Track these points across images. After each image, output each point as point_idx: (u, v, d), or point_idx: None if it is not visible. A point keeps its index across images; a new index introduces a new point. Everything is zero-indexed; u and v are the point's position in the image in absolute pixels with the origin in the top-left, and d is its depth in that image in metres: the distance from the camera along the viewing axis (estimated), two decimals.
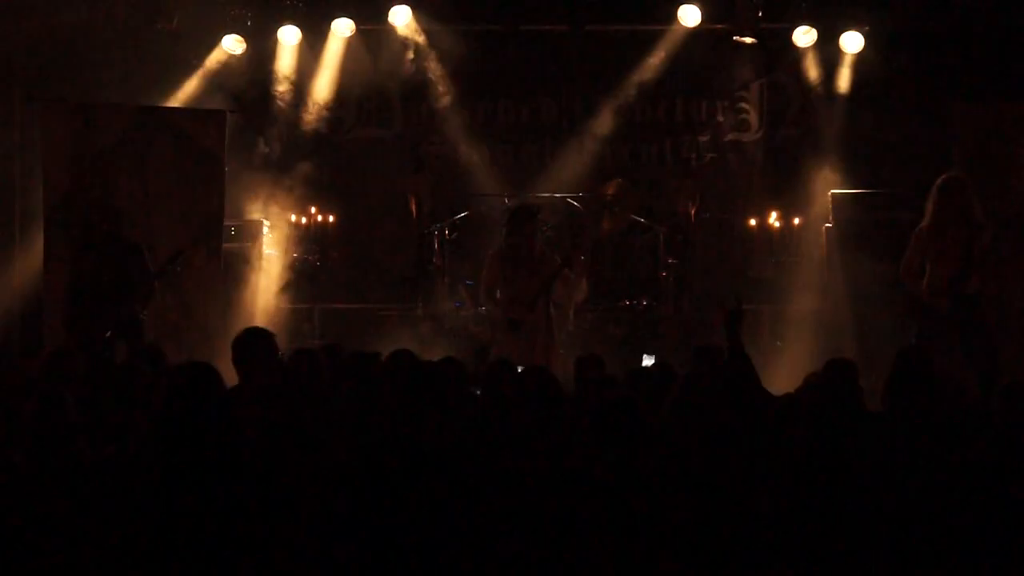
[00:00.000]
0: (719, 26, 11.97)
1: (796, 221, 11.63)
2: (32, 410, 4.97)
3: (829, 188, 11.58)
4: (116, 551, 4.16)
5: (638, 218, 11.68)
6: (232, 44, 11.92)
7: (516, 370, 6.14)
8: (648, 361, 9.81)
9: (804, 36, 11.96)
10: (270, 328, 6.45)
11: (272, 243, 11.70)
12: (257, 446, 4.73)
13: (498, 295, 9.37)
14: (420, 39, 12.16)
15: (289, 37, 12.02)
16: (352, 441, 4.94)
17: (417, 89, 12.44)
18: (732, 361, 5.23)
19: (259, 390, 5.45)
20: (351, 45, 12.22)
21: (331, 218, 11.96)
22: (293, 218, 11.77)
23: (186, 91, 11.78)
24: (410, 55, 12.20)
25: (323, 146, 12.50)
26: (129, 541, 4.14)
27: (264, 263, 11.53)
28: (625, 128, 12.59)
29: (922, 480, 4.59)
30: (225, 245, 10.86)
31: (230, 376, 5.68)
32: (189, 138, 10.46)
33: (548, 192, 12.05)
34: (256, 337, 6.09)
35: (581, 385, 6.48)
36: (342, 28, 12.08)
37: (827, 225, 11.41)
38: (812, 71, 12.18)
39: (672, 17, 11.91)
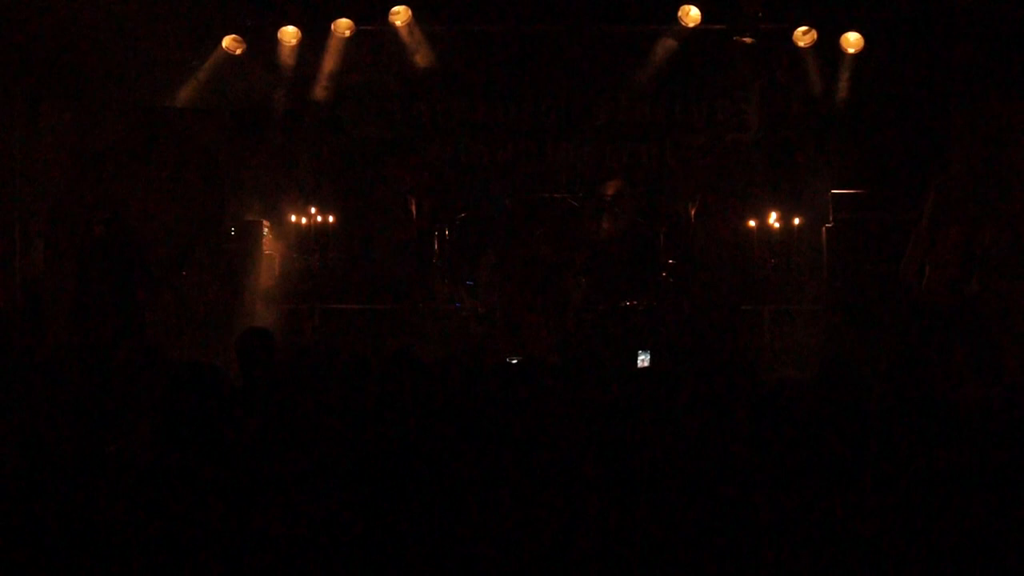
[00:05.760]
0: (719, 26, 11.99)
1: (796, 221, 11.63)
2: (33, 409, 4.97)
3: (829, 188, 11.59)
4: (116, 551, 4.17)
5: (638, 218, 11.69)
6: (232, 44, 11.93)
7: (514, 368, 6.15)
8: (643, 358, 9.82)
9: (804, 36, 11.98)
10: (270, 328, 6.49)
11: (272, 243, 11.71)
12: (259, 445, 4.75)
13: (497, 295, 9.38)
14: (420, 39, 12.17)
15: (289, 37, 12.04)
16: (353, 441, 4.95)
17: (417, 89, 12.46)
18: (730, 361, 5.25)
19: (261, 390, 5.46)
20: (351, 45, 12.23)
21: (331, 218, 11.96)
22: (293, 218, 11.79)
23: (186, 91, 11.80)
24: (410, 55, 12.22)
25: (323, 146, 12.51)
26: (130, 541, 4.15)
27: (264, 263, 11.54)
28: (625, 128, 12.60)
29: (920, 481, 4.59)
30: (225, 245, 10.86)
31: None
32: (189, 138, 10.47)
33: (548, 192, 12.05)
34: (256, 337, 6.13)
35: (576, 384, 6.48)
36: (342, 28, 12.09)
37: (827, 225, 11.42)
38: (812, 71, 12.18)
39: (672, 17, 11.93)
